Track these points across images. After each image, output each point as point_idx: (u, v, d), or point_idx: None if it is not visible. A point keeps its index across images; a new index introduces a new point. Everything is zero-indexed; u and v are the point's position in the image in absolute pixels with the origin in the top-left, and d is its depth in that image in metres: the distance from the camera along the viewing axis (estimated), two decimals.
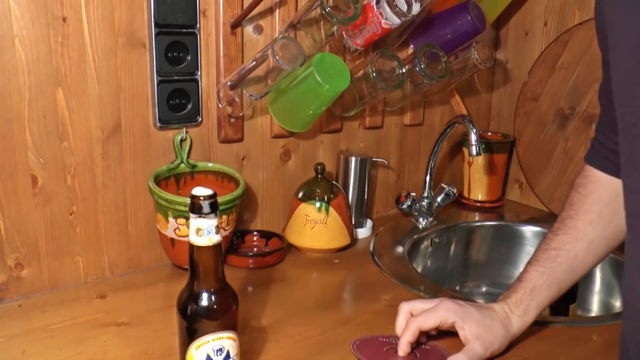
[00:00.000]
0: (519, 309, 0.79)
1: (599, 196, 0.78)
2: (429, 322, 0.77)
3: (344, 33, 1.10)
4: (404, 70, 1.06)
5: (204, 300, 0.64)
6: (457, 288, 1.31)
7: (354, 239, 1.13)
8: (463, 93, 1.40)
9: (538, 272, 0.79)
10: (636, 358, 0.59)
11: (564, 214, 0.80)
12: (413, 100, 1.29)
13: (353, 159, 1.16)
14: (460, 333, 0.76)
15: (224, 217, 0.93)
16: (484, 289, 1.33)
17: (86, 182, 0.91)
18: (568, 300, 1.04)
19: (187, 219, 0.91)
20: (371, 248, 1.13)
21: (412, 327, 0.76)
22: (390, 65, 1.07)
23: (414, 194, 1.25)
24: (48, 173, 0.88)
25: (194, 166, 1.01)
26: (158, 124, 0.95)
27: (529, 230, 1.31)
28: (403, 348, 0.76)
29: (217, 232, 0.62)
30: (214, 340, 0.64)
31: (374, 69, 1.03)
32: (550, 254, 0.79)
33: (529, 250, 1.30)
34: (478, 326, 0.76)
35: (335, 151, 1.20)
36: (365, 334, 0.84)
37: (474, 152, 1.14)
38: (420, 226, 1.25)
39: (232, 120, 1.03)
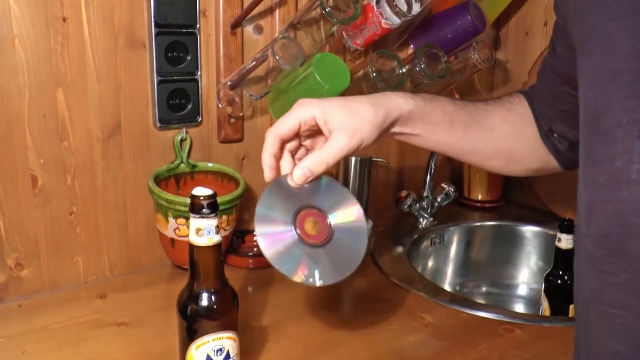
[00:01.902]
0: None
1: (524, 118, 0.80)
2: (286, 123, 0.66)
3: (344, 33, 1.10)
4: (404, 70, 1.06)
5: (204, 300, 0.64)
6: (457, 288, 1.31)
7: None
8: (463, 93, 1.40)
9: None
10: (583, 347, 0.59)
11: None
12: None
13: (353, 159, 1.16)
14: (324, 128, 0.67)
15: (224, 217, 0.93)
16: (484, 289, 1.33)
17: (86, 182, 0.91)
18: (568, 300, 1.04)
19: (187, 219, 0.91)
20: (371, 248, 1.13)
21: (269, 137, 0.67)
22: (390, 65, 1.07)
23: (414, 194, 1.25)
24: (48, 173, 0.88)
25: (194, 166, 1.01)
26: (158, 124, 0.95)
27: (529, 231, 1.30)
28: (266, 163, 0.67)
29: (217, 232, 0.62)
30: (214, 340, 0.64)
31: (374, 69, 1.03)
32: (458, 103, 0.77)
33: (529, 250, 1.31)
34: (342, 114, 0.66)
35: None
36: (366, 333, 0.84)
37: None
38: (420, 226, 1.25)
39: (232, 120, 1.03)
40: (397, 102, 0.70)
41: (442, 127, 0.74)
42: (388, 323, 0.87)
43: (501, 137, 0.78)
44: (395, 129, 0.72)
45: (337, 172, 1.19)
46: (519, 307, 1.29)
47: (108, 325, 0.83)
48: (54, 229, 0.90)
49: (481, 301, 1.22)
